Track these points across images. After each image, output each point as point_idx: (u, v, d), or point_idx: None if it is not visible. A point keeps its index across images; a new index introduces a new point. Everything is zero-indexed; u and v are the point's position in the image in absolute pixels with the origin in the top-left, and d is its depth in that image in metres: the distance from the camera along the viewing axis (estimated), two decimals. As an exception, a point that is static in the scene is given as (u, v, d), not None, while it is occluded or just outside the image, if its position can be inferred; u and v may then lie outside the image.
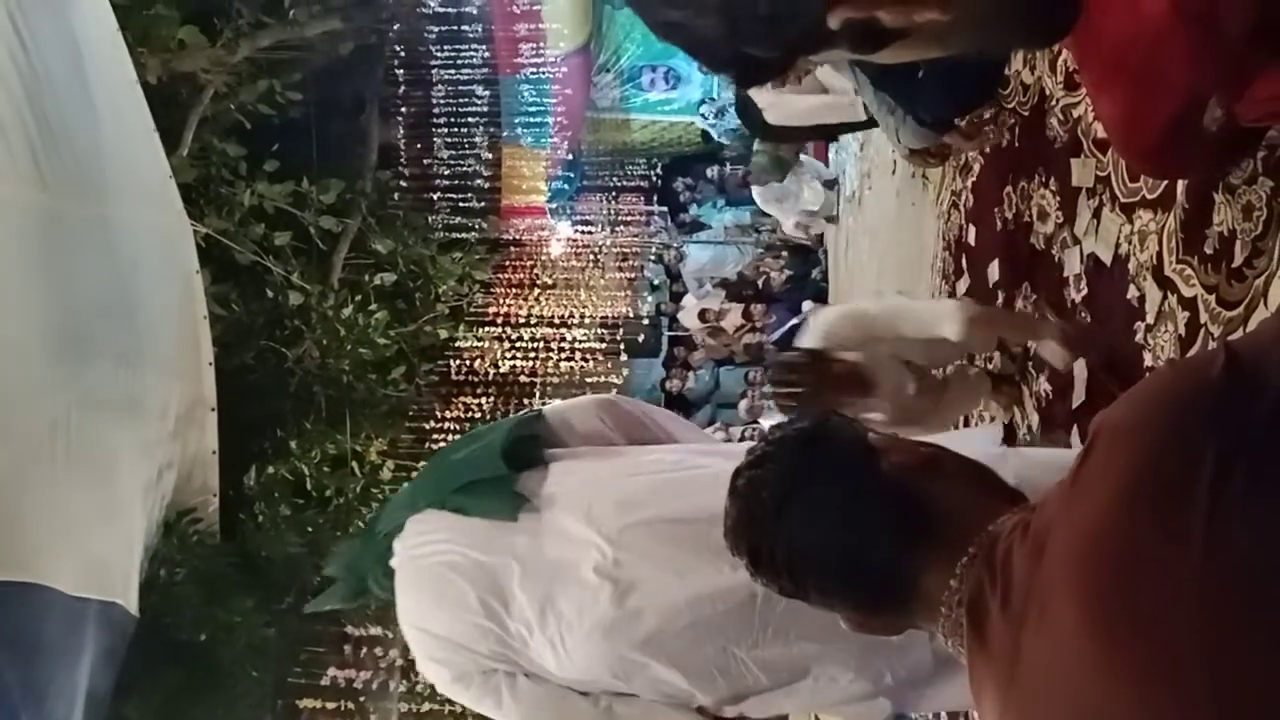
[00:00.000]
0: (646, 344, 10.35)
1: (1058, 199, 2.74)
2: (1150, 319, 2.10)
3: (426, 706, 6.10)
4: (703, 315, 9.28)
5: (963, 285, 3.82)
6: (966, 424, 3.37)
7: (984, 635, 0.78)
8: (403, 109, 8.93)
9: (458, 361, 8.76)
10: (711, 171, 10.87)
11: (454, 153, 9.23)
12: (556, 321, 9.52)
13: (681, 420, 2.23)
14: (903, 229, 5.20)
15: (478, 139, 9.27)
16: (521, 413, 2.00)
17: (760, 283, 9.39)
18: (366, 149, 8.44)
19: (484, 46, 8.89)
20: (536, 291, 9.77)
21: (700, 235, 10.79)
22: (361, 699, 6.15)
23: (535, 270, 9.94)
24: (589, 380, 9.04)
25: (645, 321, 10.08)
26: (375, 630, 5.91)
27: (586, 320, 9.65)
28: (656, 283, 10.60)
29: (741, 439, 6.80)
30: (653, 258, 10.76)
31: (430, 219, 8.84)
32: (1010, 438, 3.08)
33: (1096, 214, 2.43)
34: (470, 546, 1.70)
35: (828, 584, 0.90)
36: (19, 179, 3.98)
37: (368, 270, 7.79)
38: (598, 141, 11.14)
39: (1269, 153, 1.66)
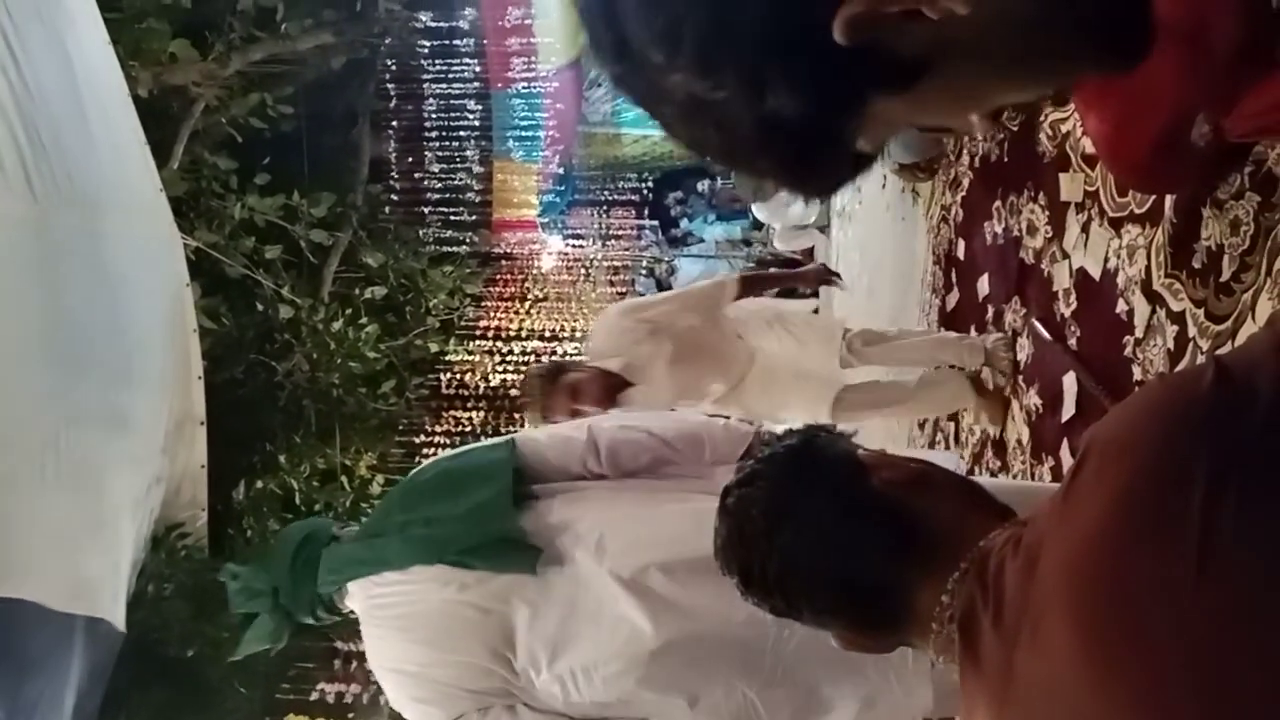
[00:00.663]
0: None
1: (1047, 214, 2.76)
2: (1139, 333, 2.11)
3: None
4: (694, 329, 9.29)
5: (953, 299, 3.83)
6: (932, 446, 3.43)
7: (976, 652, 0.78)
8: (394, 123, 8.95)
9: (448, 375, 8.76)
10: (702, 186, 10.91)
11: (445, 167, 9.25)
12: (548, 335, 9.53)
13: (666, 416, 2.18)
14: (893, 243, 5.23)
15: (469, 153, 9.29)
16: (496, 446, 1.90)
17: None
18: (358, 163, 8.45)
19: (476, 61, 8.93)
20: (527, 305, 9.77)
21: (691, 249, 10.82)
22: (351, 714, 6.10)
23: (526, 284, 9.95)
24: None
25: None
26: (363, 645, 5.86)
27: (577, 334, 9.65)
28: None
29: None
30: (644, 271, 10.78)
31: (421, 233, 8.86)
32: (1001, 451, 3.09)
33: (1085, 228, 2.44)
34: (467, 593, 1.68)
35: (820, 602, 0.89)
36: (10, 192, 3.96)
37: (358, 284, 7.79)
38: (589, 156, 11.17)
39: (1255, 168, 1.68)
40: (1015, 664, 0.73)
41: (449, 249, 9.04)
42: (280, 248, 6.92)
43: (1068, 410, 2.54)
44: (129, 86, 5.02)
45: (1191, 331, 1.89)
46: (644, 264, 10.86)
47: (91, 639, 4.12)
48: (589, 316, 9.91)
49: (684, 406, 2.93)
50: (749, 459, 0.96)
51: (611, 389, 2.92)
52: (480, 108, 9.18)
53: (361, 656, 5.98)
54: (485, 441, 2.05)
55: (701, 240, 10.74)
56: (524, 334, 9.47)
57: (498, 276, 9.83)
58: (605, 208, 11.24)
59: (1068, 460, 2.53)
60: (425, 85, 8.88)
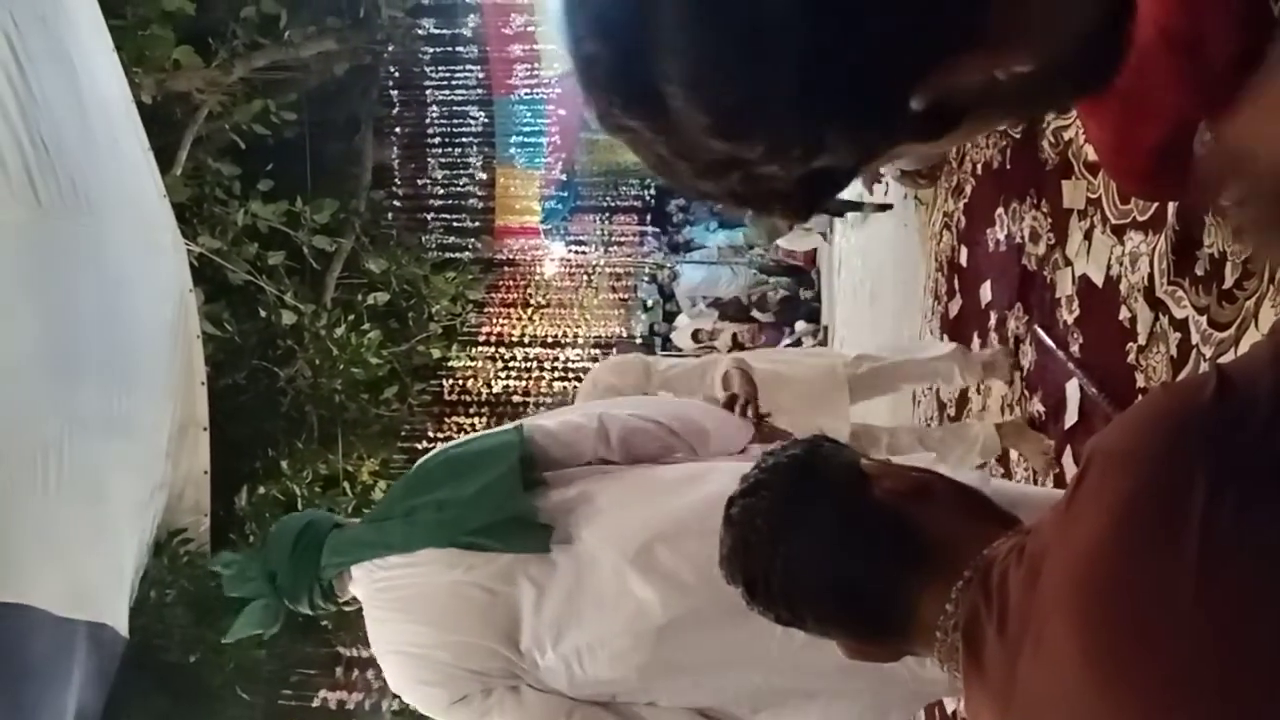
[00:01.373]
0: (640, 364, 10.36)
1: (1049, 220, 2.76)
2: (1142, 340, 2.11)
3: (418, 728, 6.06)
4: (696, 335, 9.30)
5: (955, 305, 3.84)
6: None
7: (980, 660, 0.78)
8: (397, 129, 8.97)
9: (450, 381, 8.77)
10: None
11: (448, 173, 9.27)
12: (550, 341, 9.54)
13: (675, 402, 2.18)
14: (895, 250, 5.23)
15: (472, 159, 9.31)
16: (503, 432, 1.91)
17: (753, 302, 9.42)
18: (361, 169, 8.47)
19: (479, 68, 8.95)
20: (530, 311, 9.78)
21: (693, 255, 10.83)
22: (352, 721, 6.10)
23: (529, 290, 9.96)
24: (582, 400, 9.03)
25: (639, 341, 10.09)
26: (366, 652, 5.86)
27: (580, 340, 9.66)
28: (650, 303, 10.63)
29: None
30: (646, 278, 10.79)
31: (424, 239, 8.87)
32: (1004, 458, 3.09)
33: (1088, 235, 2.44)
34: (474, 574, 1.69)
35: (823, 612, 0.90)
36: (14, 199, 3.98)
37: (361, 290, 7.80)
38: (591, 162, 11.18)
39: (1258, 176, 1.68)
40: (1019, 673, 0.73)
41: (452, 255, 9.06)
42: (283, 254, 6.93)
43: (1070, 417, 2.54)
44: (133, 93, 5.04)
45: (1194, 339, 1.89)
46: (646, 270, 10.87)
47: (94, 644, 4.13)
48: (591, 322, 9.92)
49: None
50: (754, 468, 0.97)
51: None
52: (483, 114, 9.21)
53: (364, 664, 6.03)
54: (491, 429, 2.06)
55: (704, 246, 10.75)
56: (526, 340, 9.48)
57: (500, 282, 9.85)
58: (608, 214, 11.26)
59: (1070, 467, 2.53)
60: (428, 92, 8.90)
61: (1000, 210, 3.24)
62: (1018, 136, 3.08)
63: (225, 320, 6.39)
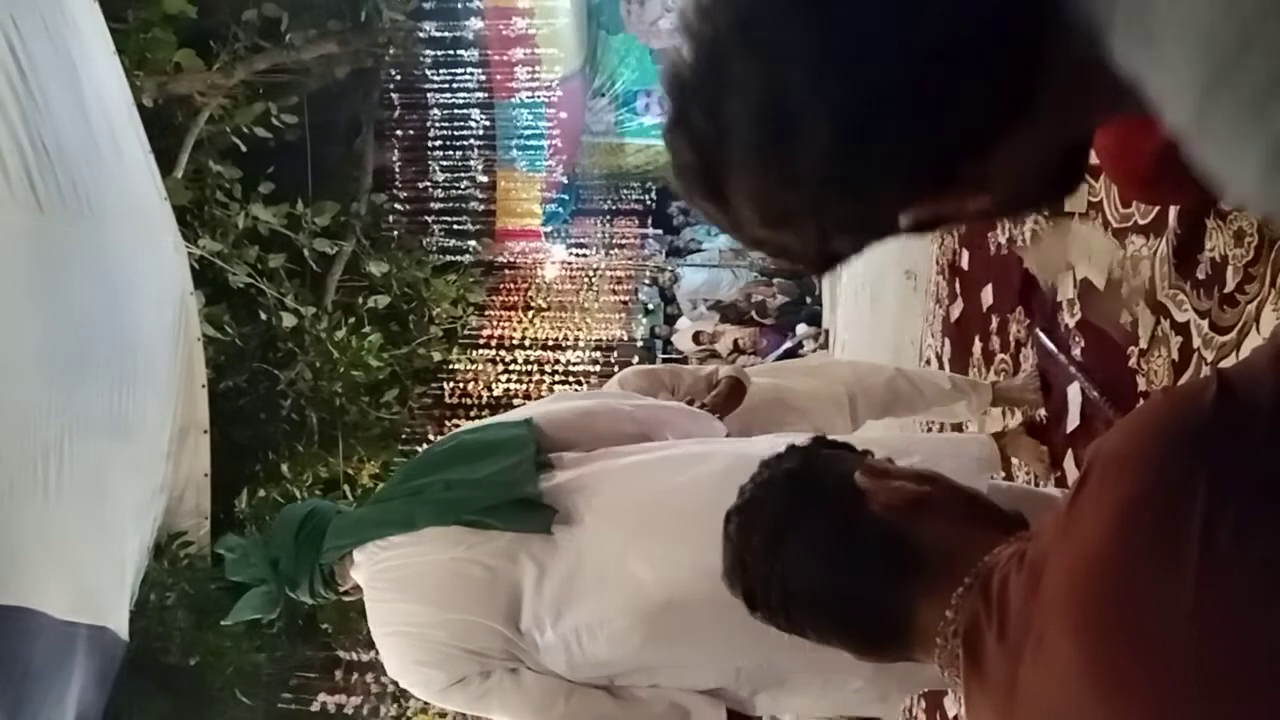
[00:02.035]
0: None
1: (1050, 224, 2.76)
2: (1143, 344, 2.11)
3: (418, 731, 6.06)
4: (697, 338, 9.31)
5: (957, 309, 3.84)
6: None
7: (981, 666, 0.78)
8: (398, 132, 8.97)
9: (451, 384, 8.76)
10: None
11: (449, 176, 9.27)
12: (551, 344, 9.53)
13: (671, 407, 2.19)
14: (896, 254, 5.23)
15: (473, 162, 9.31)
16: (516, 424, 1.93)
17: (754, 306, 9.42)
18: (362, 172, 8.47)
19: (479, 71, 8.95)
20: (531, 314, 9.78)
21: (694, 258, 10.84)
22: (351, 725, 6.09)
23: (530, 293, 9.96)
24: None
25: (639, 344, 10.10)
26: (366, 656, 5.87)
27: (581, 343, 9.66)
28: (651, 306, 10.63)
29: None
30: (647, 281, 10.79)
31: (425, 242, 8.86)
32: (1005, 462, 3.08)
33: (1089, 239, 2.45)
34: (476, 551, 1.69)
35: (822, 623, 0.91)
36: (15, 202, 3.98)
37: (362, 293, 7.80)
38: (592, 165, 11.20)
39: (1259, 180, 1.68)
40: (1020, 679, 0.74)
41: (452, 258, 9.06)
42: (284, 256, 6.92)
43: (1072, 421, 2.54)
44: (134, 96, 5.04)
45: (1196, 342, 1.89)
46: (647, 273, 10.87)
47: (95, 647, 4.13)
48: (592, 325, 9.92)
49: None
50: (750, 480, 0.98)
51: None
52: (484, 117, 9.21)
53: (364, 668, 6.02)
54: (501, 417, 2.08)
55: (705, 249, 10.76)
56: (527, 343, 9.48)
57: (501, 286, 9.85)
58: (609, 217, 11.26)
59: (1072, 471, 2.53)
60: (429, 95, 8.90)
61: (1001, 214, 3.23)
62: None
63: (226, 323, 6.38)
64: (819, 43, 0.64)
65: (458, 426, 9.08)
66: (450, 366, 8.74)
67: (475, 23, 8.79)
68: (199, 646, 5.00)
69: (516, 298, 9.86)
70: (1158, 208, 2.06)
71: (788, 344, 8.49)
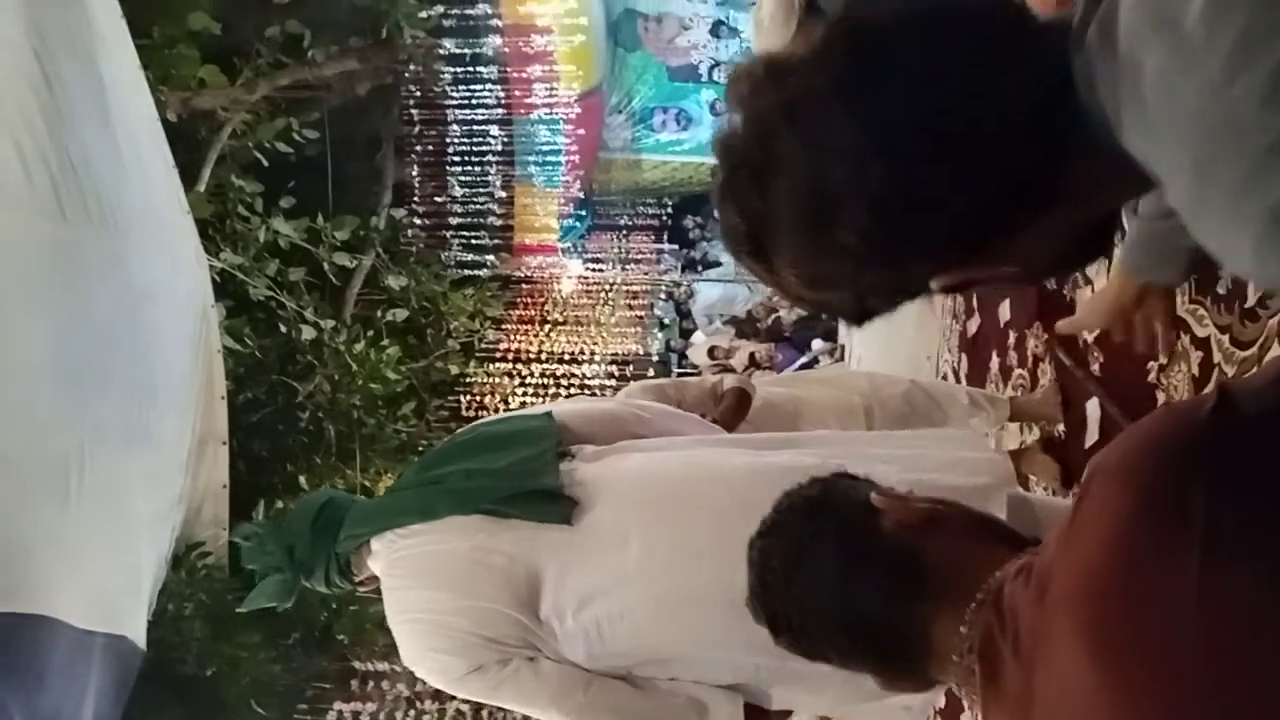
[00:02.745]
0: (656, 381, 10.37)
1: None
2: (1163, 359, 2.10)
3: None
4: (712, 352, 9.30)
5: (974, 324, 3.82)
6: None
7: (998, 680, 0.80)
8: (418, 148, 9.04)
9: (468, 397, 8.78)
10: (722, 211, 10.96)
11: (468, 191, 9.33)
12: (567, 358, 9.56)
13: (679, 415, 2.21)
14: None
15: (491, 178, 9.37)
16: (536, 415, 1.94)
17: (770, 321, 9.41)
18: (381, 187, 8.54)
19: (498, 87, 9.02)
20: (547, 328, 9.81)
21: (710, 273, 10.85)
22: (366, 736, 6.09)
23: (546, 307, 10.00)
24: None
25: (655, 358, 10.10)
26: (382, 665, 5.87)
27: (597, 357, 9.68)
28: (667, 320, 10.64)
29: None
30: (663, 296, 10.81)
31: (443, 256, 8.91)
32: (1024, 477, 3.06)
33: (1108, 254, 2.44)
34: (496, 539, 1.69)
35: (843, 645, 0.93)
36: (40, 212, 4.03)
37: (380, 306, 7.84)
38: (609, 181, 11.24)
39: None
40: (1036, 688, 0.75)
41: (470, 272, 9.11)
42: (304, 270, 6.98)
43: (1091, 437, 2.52)
44: (158, 110, 5.10)
45: (1216, 357, 1.88)
46: (663, 288, 10.89)
47: (112, 656, 4.14)
48: (608, 340, 9.94)
49: None
50: (772, 508, 1.02)
51: None
52: (502, 133, 9.27)
53: (379, 677, 6.01)
54: (522, 411, 2.09)
55: (720, 264, 10.77)
56: (543, 356, 9.51)
57: (518, 300, 9.89)
58: (625, 232, 11.30)
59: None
60: (448, 111, 8.97)
61: (1019, 229, 3.22)
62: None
63: (246, 335, 6.43)
64: (859, 132, 0.70)
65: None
66: (467, 380, 8.77)
67: (495, 40, 8.86)
68: (215, 657, 5.01)
69: (533, 312, 9.90)
70: (1177, 222, 2.05)
71: (803, 359, 8.48)
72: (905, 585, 0.88)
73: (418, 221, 8.99)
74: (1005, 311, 3.40)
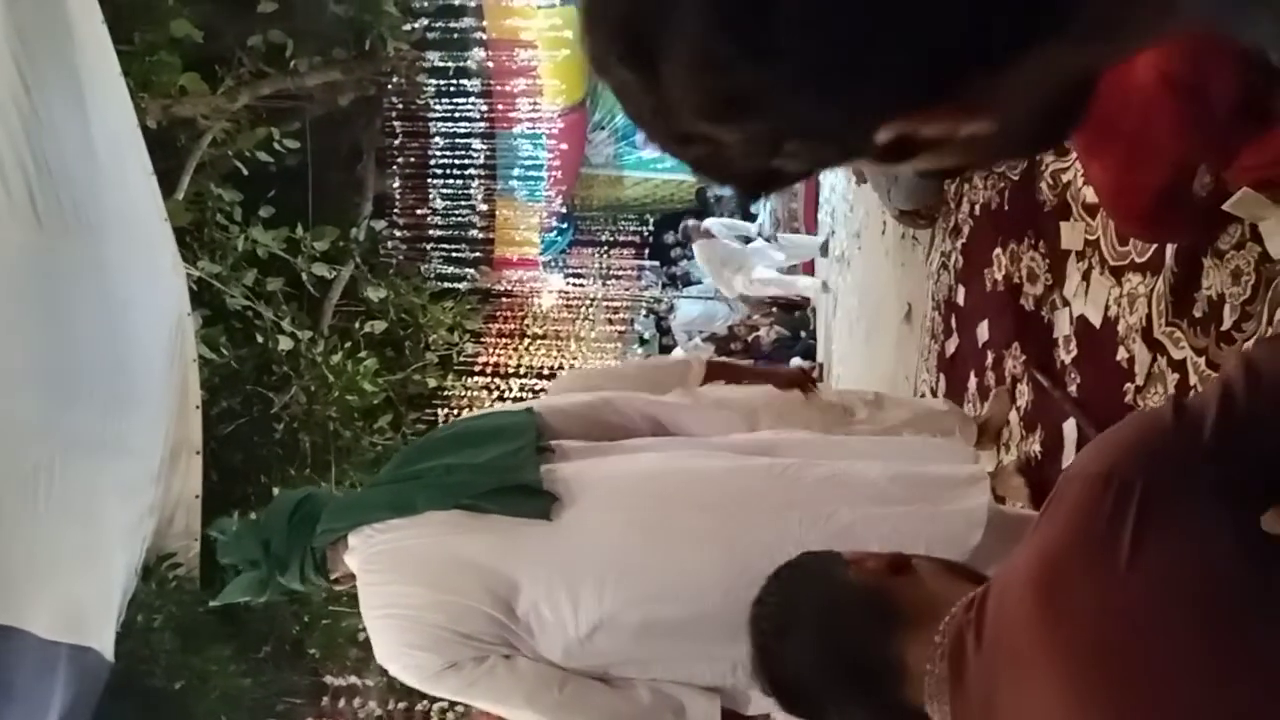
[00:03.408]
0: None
1: (1047, 261, 2.79)
2: (1140, 381, 2.13)
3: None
4: (691, 369, 9.30)
5: (952, 344, 3.85)
6: None
7: (963, 679, 0.85)
8: (399, 159, 9.03)
9: (445, 410, 8.74)
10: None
11: (449, 204, 9.33)
12: (546, 372, 9.54)
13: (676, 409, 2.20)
14: (893, 289, 5.26)
15: (473, 191, 9.37)
16: (517, 412, 1.93)
17: (749, 339, 9.44)
18: (362, 198, 8.52)
19: (481, 101, 9.03)
20: (526, 342, 9.80)
21: (690, 290, 10.88)
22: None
23: (526, 321, 9.99)
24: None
25: (634, 374, 10.09)
26: (354, 680, 5.81)
27: (575, 372, 9.66)
28: (646, 336, 10.66)
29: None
30: (643, 311, 10.83)
31: (423, 268, 8.90)
32: (1000, 497, 3.08)
33: (1086, 276, 2.47)
34: (474, 535, 1.68)
35: (834, 691, 0.98)
36: (15, 219, 3.99)
37: (359, 317, 7.81)
38: (591, 197, 11.27)
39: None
40: (998, 677, 0.81)
41: (450, 285, 9.09)
42: (282, 280, 6.94)
43: (1068, 457, 2.55)
44: (138, 117, 5.06)
45: (1193, 380, 1.90)
46: (644, 304, 10.92)
47: (78, 668, 4.07)
48: (587, 354, 9.94)
49: None
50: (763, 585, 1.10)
51: None
52: (485, 147, 9.28)
53: (350, 692, 5.94)
54: (502, 407, 2.08)
55: (701, 281, 10.80)
56: (522, 370, 9.49)
57: (498, 313, 9.88)
58: (606, 248, 11.33)
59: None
60: (431, 123, 8.98)
61: (998, 251, 3.26)
62: (1016, 178, 3.11)
63: (222, 345, 6.38)
64: None
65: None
66: (445, 393, 8.73)
67: (478, 54, 8.88)
68: (184, 670, 4.94)
69: (513, 326, 9.89)
70: (1155, 245, 2.08)
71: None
72: (878, 620, 0.94)
73: (398, 233, 8.97)
74: (984, 332, 3.43)
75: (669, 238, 11.22)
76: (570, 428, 1.87)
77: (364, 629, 1.81)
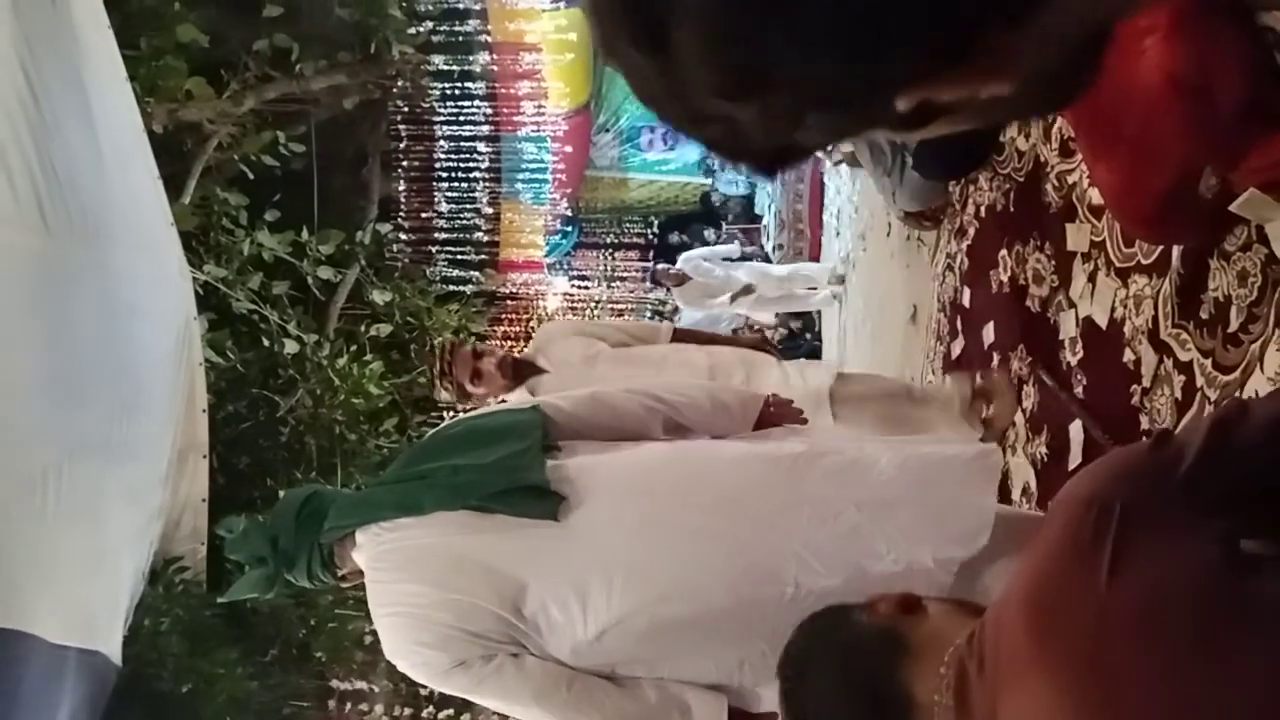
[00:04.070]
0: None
1: (1053, 263, 2.78)
2: (1146, 382, 2.12)
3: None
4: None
5: (958, 346, 3.85)
6: None
7: (968, 705, 0.88)
8: (404, 163, 9.05)
9: (450, 414, 8.75)
10: (709, 233, 11.01)
11: (454, 207, 9.35)
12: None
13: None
14: (899, 290, 5.25)
15: (478, 194, 9.39)
16: (523, 410, 1.92)
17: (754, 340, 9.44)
18: (367, 201, 8.54)
19: (486, 104, 9.05)
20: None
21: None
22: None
23: (531, 323, 10.00)
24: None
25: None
26: (360, 684, 5.82)
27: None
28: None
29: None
30: (648, 313, 10.83)
31: (428, 271, 8.92)
32: (1005, 498, 3.08)
33: (1091, 278, 2.46)
34: (482, 535, 1.68)
35: None
36: (23, 224, 4.00)
37: (364, 321, 7.82)
38: (596, 199, 11.29)
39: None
40: (999, 699, 0.83)
41: (455, 288, 9.11)
42: (288, 283, 6.96)
43: (1074, 459, 2.54)
44: (144, 122, 5.08)
45: (1199, 381, 1.90)
46: (648, 306, 10.92)
47: (86, 671, 4.09)
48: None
49: None
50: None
51: (519, 367, 3.11)
52: (490, 150, 9.30)
53: (357, 696, 5.95)
54: (509, 405, 2.07)
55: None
56: (527, 374, 9.49)
57: (503, 316, 9.89)
58: (611, 250, 11.33)
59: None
60: (436, 127, 9.00)
61: (1003, 252, 3.26)
62: (1021, 180, 3.11)
63: (228, 348, 6.40)
64: None
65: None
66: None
67: (483, 57, 8.90)
68: (192, 673, 4.95)
69: (518, 328, 9.90)
70: (1161, 247, 2.08)
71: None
72: (888, 658, 0.99)
73: (403, 236, 9.00)
74: (989, 333, 3.42)
75: (674, 238, 11.23)
76: (576, 425, 1.86)
77: (370, 632, 1.82)
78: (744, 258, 8.64)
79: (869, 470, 1.72)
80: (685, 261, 7.55)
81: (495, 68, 8.97)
